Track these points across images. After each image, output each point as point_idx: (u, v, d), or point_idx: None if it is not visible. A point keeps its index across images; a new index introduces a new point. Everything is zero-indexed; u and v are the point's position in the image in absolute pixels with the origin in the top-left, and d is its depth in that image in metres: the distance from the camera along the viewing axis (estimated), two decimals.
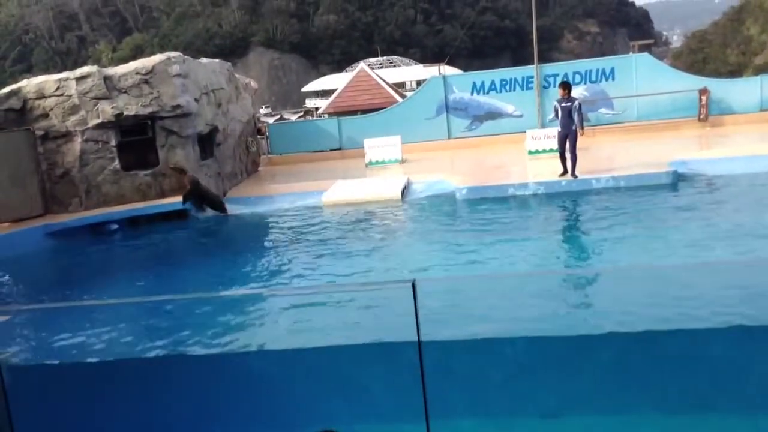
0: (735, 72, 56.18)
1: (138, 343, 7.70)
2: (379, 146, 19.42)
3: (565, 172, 14.34)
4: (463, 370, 6.14)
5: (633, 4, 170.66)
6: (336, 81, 69.86)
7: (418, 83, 53.28)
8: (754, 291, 7.08)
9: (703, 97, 19.92)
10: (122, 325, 8.19)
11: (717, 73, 48.54)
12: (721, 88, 20.61)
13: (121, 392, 6.15)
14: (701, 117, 19.96)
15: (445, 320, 6.94)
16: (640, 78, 20.80)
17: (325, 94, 73.46)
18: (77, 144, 14.79)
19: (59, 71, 16.99)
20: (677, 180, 13.81)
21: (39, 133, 14.71)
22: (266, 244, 12.83)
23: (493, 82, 21.71)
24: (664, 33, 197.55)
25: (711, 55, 71.57)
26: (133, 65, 15.19)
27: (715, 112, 20.12)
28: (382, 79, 37.20)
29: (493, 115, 21.74)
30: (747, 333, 6.21)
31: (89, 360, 7.29)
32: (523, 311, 7.44)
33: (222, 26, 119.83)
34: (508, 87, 21.62)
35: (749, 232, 10.26)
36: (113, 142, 14.97)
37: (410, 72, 78.56)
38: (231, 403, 5.81)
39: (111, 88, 14.74)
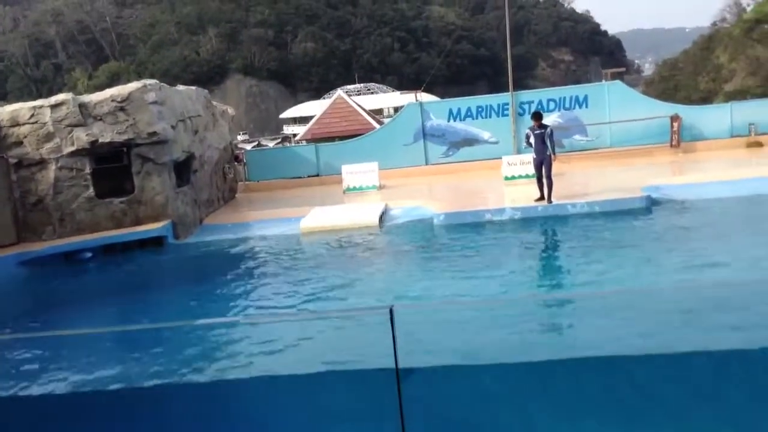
0: (706, 99, 57.33)
1: (114, 373, 7.57)
2: (356, 172, 19.47)
3: (542, 197, 14.51)
4: (441, 398, 6.11)
5: (605, 33, 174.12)
6: (314, 108, 70.13)
7: (396, 110, 53.66)
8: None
9: (675, 124, 20.28)
10: (97, 355, 8.06)
11: (688, 100, 49.51)
12: (693, 115, 21.02)
13: (95, 425, 6.03)
14: (673, 143, 20.31)
15: (422, 347, 6.92)
16: (612, 105, 21.15)
17: (302, 120, 73.71)
18: (51, 171, 14.66)
19: (34, 99, 16.90)
20: (650, 205, 14.01)
21: (12, 160, 14.56)
22: (242, 271, 12.73)
23: (469, 109, 21.95)
24: (636, 61, 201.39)
25: (682, 82, 73.03)
26: (108, 92, 15.15)
27: (687, 138, 20.49)
28: (360, 105, 37.41)
29: (470, 141, 21.94)
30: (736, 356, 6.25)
31: (63, 391, 7.15)
32: (500, 337, 7.44)
33: (199, 54, 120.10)
34: (484, 114, 21.86)
35: (718, 255, 10.41)
36: (88, 170, 14.86)
37: (387, 99, 79.18)
38: None
39: (86, 115, 14.67)
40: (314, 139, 32.01)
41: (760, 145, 19.81)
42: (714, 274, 9.50)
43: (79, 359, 7.77)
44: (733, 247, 10.96)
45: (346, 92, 47.95)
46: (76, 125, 14.61)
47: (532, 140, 14.59)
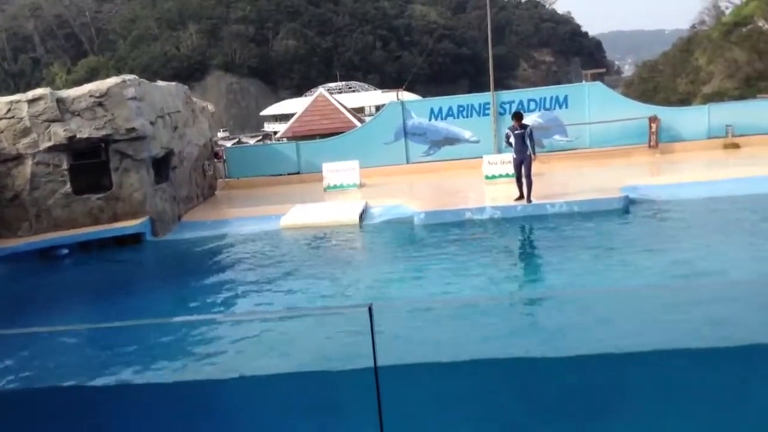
0: (684, 101, 57.89)
1: (90, 370, 7.50)
2: (337, 170, 19.44)
3: (521, 196, 14.58)
4: (421, 396, 6.11)
5: (586, 34, 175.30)
6: (295, 105, 69.89)
7: (377, 108, 53.66)
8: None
9: (653, 125, 20.47)
10: (73, 352, 7.97)
11: (667, 102, 49.98)
12: (671, 116, 21.22)
13: (71, 425, 5.96)
14: (651, 144, 20.50)
15: (402, 345, 6.92)
16: (592, 106, 21.29)
17: (283, 118, 73.51)
18: (28, 167, 14.47)
19: (12, 93, 16.67)
20: (628, 205, 14.14)
21: None
22: (221, 269, 12.67)
23: (450, 108, 21.98)
24: (616, 62, 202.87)
25: (661, 84, 73.69)
26: (87, 87, 14.98)
27: (665, 139, 20.68)
28: (341, 103, 37.38)
29: (451, 140, 21.98)
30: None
31: (36, 386, 7.07)
32: (479, 335, 7.47)
33: (180, 49, 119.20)
34: (465, 113, 21.90)
35: (696, 255, 10.54)
36: (65, 165, 14.70)
37: (369, 97, 79.24)
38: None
39: (64, 110, 14.50)
40: (295, 137, 31.90)
41: (736, 146, 20.05)
42: (690, 273, 9.62)
43: (53, 356, 7.69)
44: (709, 247, 11.08)
45: (328, 90, 47.89)
46: (54, 120, 14.44)
47: (512, 140, 14.68)
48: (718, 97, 49.17)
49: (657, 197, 14.63)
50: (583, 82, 22.89)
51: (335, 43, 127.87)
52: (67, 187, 14.76)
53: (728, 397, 5.50)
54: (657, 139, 20.46)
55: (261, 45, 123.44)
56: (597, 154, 20.70)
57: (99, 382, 7.14)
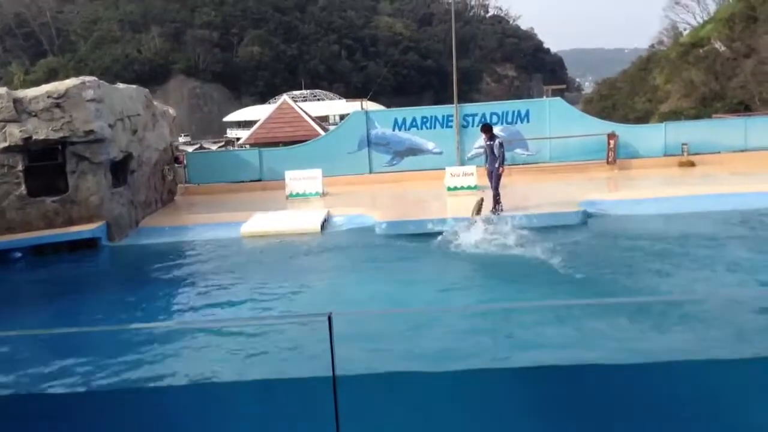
0: (642, 118, 58.96)
1: (41, 377, 7.31)
2: (300, 179, 19.37)
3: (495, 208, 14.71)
4: (379, 407, 6.09)
5: (548, 50, 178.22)
6: (258, 112, 69.41)
7: (341, 117, 53.62)
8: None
9: (612, 141, 20.88)
10: (23, 359, 7.76)
11: (625, 119, 50.86)
12: (629, 133, 21.69)
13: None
14: (609, 160, 20.90)
15: (360, 355, 6.90)
16: (553, 121, 21.64)
17: (247, 124, 72.90)
18: None
19: None
20: (586, 219, 14.38)
21: None
22: (179, 276, 12.48)
23: (414, 119, 22.11)
24: (577, 79, 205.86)
25: (620, 101, 75.08)
26: (44, 88, 14.69)
27: (623, 155, 21.11)
28: (305, 111, 37.28)
29: (414, 151, 22.10)
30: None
31: None
32: (438, 344, 7.50)
33: (142, 52, 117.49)
34: (428, 124, 22.05)
35: (658, 268, 10.77)
36: (20, 167, 14.37)
37: (334, 106, 79.14)
38: None
39: (20, 110, 14.18)
40: (258, 144, 31.69)
41: (692, 164, 20.56)
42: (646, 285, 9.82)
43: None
44: (666, 261, 11.34)
45: (292, 98, 47.75)
46: (10, 120, 14.11)
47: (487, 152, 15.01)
48: (675, 115, 50.26)
49: (614, 212, 14.92)
50: (545, 97, 23.16)
51: (301, 51, 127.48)
52: (22, 189, 14.43)
53: None
54: (615, 155, 20.86)
55: (225, 50, 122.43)
56: (557, 168, 21.01)
57: (47, 390, 6.97)
